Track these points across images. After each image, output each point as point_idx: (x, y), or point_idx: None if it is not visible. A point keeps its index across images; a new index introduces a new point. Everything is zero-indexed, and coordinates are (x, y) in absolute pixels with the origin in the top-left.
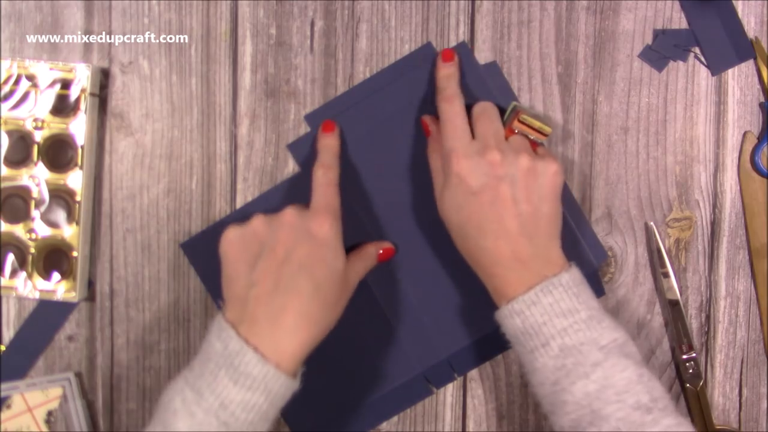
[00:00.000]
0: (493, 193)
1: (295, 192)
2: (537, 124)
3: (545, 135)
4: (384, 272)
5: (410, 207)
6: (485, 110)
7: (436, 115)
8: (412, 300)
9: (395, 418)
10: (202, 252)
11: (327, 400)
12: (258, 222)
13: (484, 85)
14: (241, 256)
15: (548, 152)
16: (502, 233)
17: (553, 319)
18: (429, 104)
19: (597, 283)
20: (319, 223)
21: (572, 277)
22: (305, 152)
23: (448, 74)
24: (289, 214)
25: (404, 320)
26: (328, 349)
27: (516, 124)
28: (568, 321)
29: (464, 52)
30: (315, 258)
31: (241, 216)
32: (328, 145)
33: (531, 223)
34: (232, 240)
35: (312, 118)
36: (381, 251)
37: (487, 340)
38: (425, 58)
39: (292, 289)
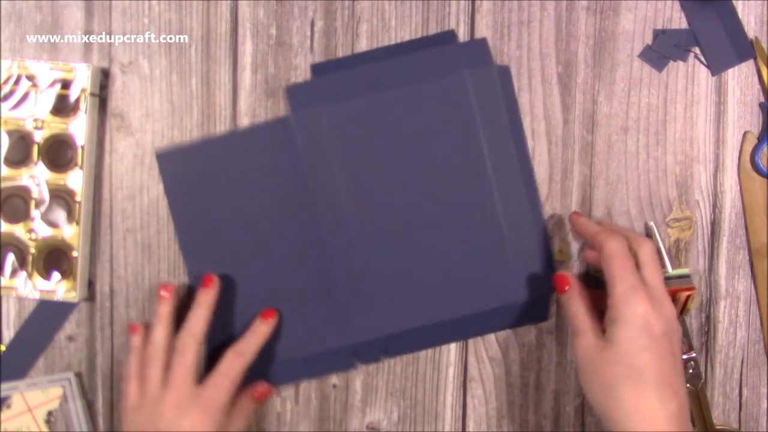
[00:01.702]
0: (670, 342)
1: (274, 138)
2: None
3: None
4: (343, 236)
5: (391, 188)
6: (654, 256)
7: (450, 143)
8: (363, 271)
9: (395, 418)
10: (175, 165)
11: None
12: (145, 414)
13: (517, 114)
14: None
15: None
16: (669, 384)
17: None
18: (433, 123)
19: (543, 309)
20: (192, 424)
21: None
22: (302, 98)
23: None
24: (170, 407)
25: (350, 288)
26: (262, 293)
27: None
28: None
29: (506, 76)
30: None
31: (224, 141)
32: (264, 332)
33: (681, 380)
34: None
35: (320, 69)
36: (254, 394)
37: (425, 330)
38: (447, 60)
39: None
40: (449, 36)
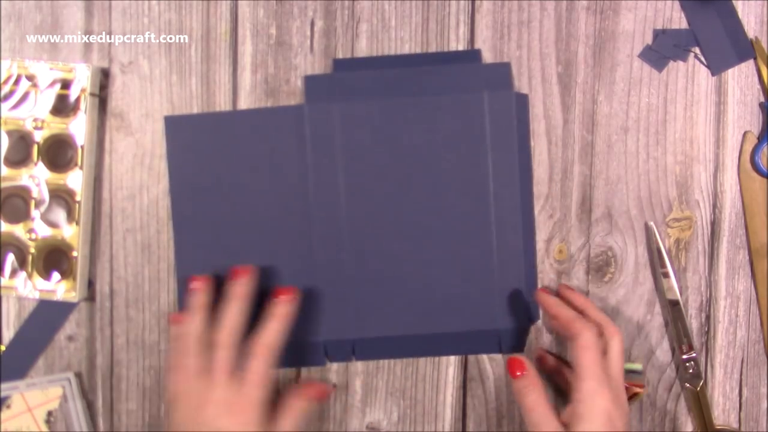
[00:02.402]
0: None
1: (286, 123)
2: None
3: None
4: (334, 233)
5: (390, 195)
6: (622, 349)
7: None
8: (347, 271)
9: (395, 418)
10: (182, 132)
11: None
12: (182, 408)
13: (526, 140)
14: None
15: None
16: None
17: None
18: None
19: (520, 340)
20: (234, 424)
21: None
22: (318, 90)
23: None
24: (210, 404)
25: (331, 285)
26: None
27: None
28: None
29: (523, 103)
30: None
31: (234, 118)
32: (282, 314)
33: None
34: (172, 393)
35: (341, 65)
36: (314, 394)
37: (397, 341)
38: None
39: None
40: (474, 54)
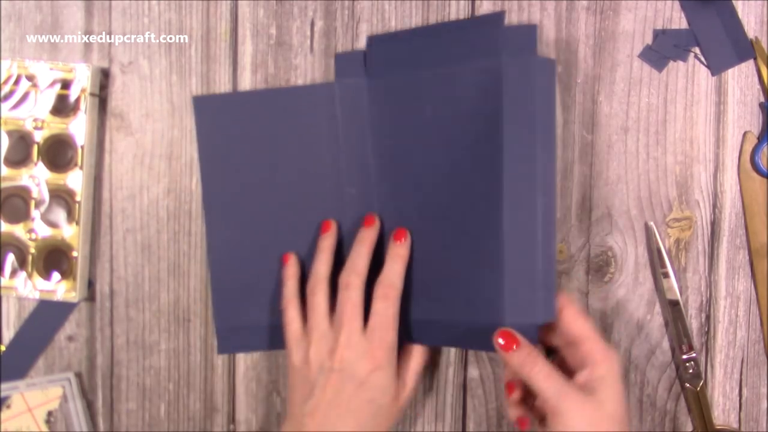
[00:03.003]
0: None
1: (317, 101)
2: None
3: None
4: (368, 209)
5: (412, 173)
6: None
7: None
8: (381, 247)
9: None
10: (211, 112)
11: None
12: (314, 353)
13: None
14: (298, 386)
15: None
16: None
17: None
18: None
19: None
20: (370, 368)
21: None
22: (348, 67)
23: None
24: (343, 347)
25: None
26: (272, 250)
27: None
28: None
29: (547, 69)
30: (362, 401)
31: (261, 97)
32: (403, 255)
33: None
34: (293, 367)
35: (374, 41)
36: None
37: (404, 324)
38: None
39: (340, 428)
40: (498, 17)
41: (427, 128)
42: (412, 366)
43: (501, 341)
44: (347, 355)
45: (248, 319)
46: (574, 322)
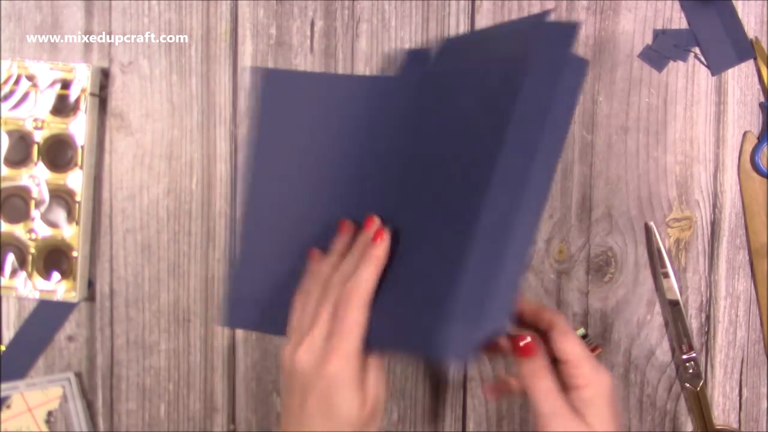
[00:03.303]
0: None
1: (376, 91)
2: None
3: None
4: (387, 208)
5: (427, 171)
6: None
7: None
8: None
9: (395, 418)
10: (276, 86)
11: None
12: (285, 359)
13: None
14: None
15: None
16: None
17: None
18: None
19: (468, 348)
20: (332, 365)
21: None
22: (410, 63)
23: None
24: (304, 352)
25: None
26: (305, 235)
27: None
28: None
29: (575, 69)
30: (324, 406)
31: (337, 81)
32: (379, 256)
33: None
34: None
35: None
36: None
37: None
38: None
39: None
40: (544, 15)
41: (449, 123)
42: (374, 382)
43: (522, 343)
44: (306, 365)
45: (262, 297)
46: (563, 343)
